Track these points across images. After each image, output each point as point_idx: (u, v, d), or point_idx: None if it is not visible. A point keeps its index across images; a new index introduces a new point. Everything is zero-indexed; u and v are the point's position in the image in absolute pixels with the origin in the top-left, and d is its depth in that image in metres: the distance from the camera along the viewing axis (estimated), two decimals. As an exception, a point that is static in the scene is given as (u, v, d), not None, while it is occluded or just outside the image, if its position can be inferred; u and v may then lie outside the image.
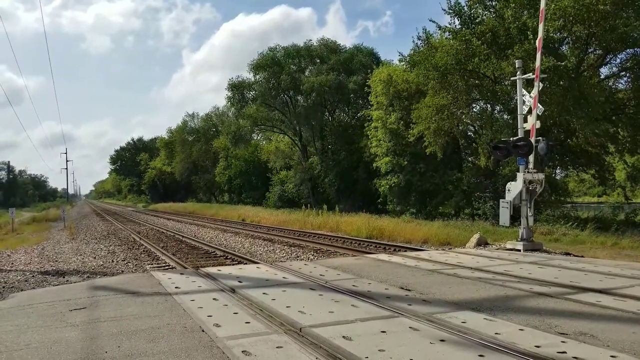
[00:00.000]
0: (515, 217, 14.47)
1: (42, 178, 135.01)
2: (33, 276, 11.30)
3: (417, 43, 25.02)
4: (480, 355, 4.54)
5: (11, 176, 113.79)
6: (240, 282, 8.52)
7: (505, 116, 23.97)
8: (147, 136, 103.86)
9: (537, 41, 13.46)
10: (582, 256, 12.57)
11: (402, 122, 28.48)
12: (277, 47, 43.56)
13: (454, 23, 22.03)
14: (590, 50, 21.11)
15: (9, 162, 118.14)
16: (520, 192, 12.91)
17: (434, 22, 24.24)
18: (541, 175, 13.13)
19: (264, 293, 7.47)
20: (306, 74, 42.64)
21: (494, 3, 21.52)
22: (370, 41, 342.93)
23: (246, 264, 12.64)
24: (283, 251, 16.36)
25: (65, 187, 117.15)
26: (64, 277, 11.22)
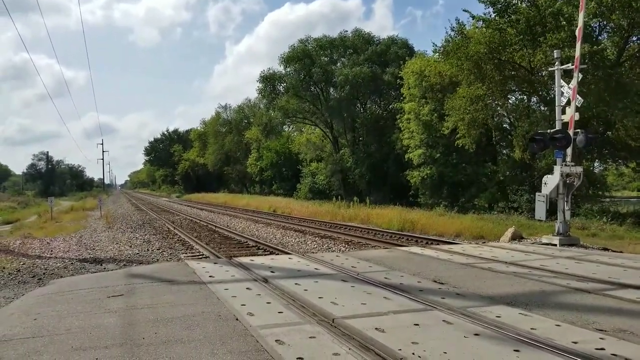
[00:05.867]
0: (551, 211, 14.13)
1: (80, 168, 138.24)
2: (72, 263, 11.65)
3: (449, 34, 24.66)
4: (516, 350, 4.47)
5: (50, 166, 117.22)
6: (272, 272, 8.60)
7: (542, 108, 23.40)
8: (187, 127, 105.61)
9: (577, 30, 13.06)
10: (621, 251, 12.22)
11: (435, 114, 28.17)
12: (309, 39, 43.58)
13: (488, 13, 21.63)
14: (633, 39, 20.35)
15: (47, 152, 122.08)
16: (557, 186, 12.63)
17: (467, 11, 23.70)
18: (579, 169, 12.79)
19: (296, 283, 7.52)
20: (338, 65, 42.48)
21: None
22: (416, 33, 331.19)
23: (278, 254, 12.73)
24: (314, 242, 16.41)
25: (102, 177, 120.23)
26: (101, 265, 11.54)
